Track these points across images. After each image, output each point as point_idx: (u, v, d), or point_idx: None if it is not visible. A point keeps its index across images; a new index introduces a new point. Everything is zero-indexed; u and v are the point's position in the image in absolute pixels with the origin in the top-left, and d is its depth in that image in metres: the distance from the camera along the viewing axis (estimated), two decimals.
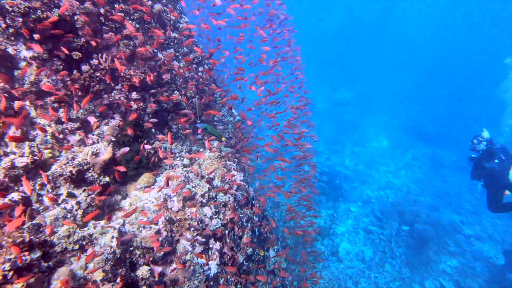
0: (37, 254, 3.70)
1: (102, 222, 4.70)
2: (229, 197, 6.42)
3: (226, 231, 6.12)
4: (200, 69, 8.69)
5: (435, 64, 39.93)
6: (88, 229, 4.57)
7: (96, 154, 5.10)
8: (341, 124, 20.78)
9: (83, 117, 5.85)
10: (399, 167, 17.08)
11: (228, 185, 6.60)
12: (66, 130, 5.42)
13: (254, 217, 7.69)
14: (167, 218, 5.23)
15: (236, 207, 6.72)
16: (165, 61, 7.22)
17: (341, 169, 16.73)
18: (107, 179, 5.13)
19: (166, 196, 5.44)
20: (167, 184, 5.23)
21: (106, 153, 5.15)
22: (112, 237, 4.46)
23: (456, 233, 14.14)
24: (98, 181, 4.99)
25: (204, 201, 5.82)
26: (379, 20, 53.08)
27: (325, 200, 14.63)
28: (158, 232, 5.07)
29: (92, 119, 5.56)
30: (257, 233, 7.67)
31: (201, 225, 5.52)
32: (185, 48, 8.26)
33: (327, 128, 20.00)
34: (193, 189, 5.78)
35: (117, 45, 6.30)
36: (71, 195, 4.64)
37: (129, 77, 6.18)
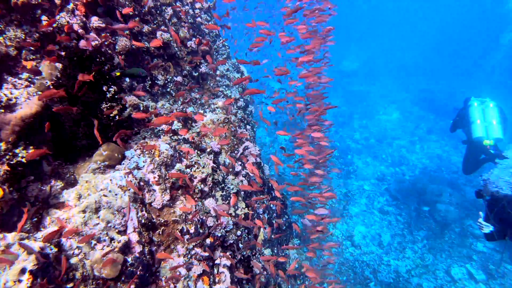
0: None
1: (10, 237, 2.26)
2: (242, 181, 4.02)
3: (239, 232, 3.77)
4: (198, 5, 6.04)
5: (445, 34, 36.71)
6: None
7: (7, 107, 2.60)
8: (347, 95, 18.23)
9: (4, 49, 3.29)
10: (414, 141, 14.79)
11: (240, 162, 4.19)
12: None
13: (272, 205, 5.35)
14: (142, 221, 2.83)
15: (250, 192, 4.36)
16: None
17: (350, 143, 14.42)
18: (31, 151, 2.65)
19: (142, 183, 3.00)
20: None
21: (29, 105, 2.65)
22: (23, 270, 2.05)
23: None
24: (9, 157, 2.51)
25: (206, 189, 3.40)
26: None
27: (336, 177, 12.43)
28: (125, 247, 2.68)
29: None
30: (274, 226, 5.36)
31: (201, 230, 3.13)
32: None
33: (333, 99, 17.53)
34: (188, 170, 3.34)
35: None
36: None
37: None
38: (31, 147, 2.69)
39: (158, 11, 4.86)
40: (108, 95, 3.19)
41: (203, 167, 3.50)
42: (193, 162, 3.48)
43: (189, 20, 5.56)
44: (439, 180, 12.33)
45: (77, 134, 3.06)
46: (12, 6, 3.31)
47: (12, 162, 2.43)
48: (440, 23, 40.82)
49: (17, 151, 2.54)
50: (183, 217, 3.04)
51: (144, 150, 3.05)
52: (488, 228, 5.26)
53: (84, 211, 2.65)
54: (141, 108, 4.05)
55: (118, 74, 3.30)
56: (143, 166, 3.06)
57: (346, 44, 27.94)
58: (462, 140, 8.80)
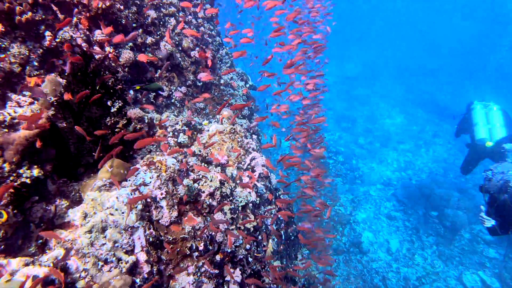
0: None
1: (15, 263, 2.18)
2: (249, 193, 3.94)
3: (248, 246, 3.69)
4: (200, 14, 6.02)
5: (445, 34, 36.38)
6: None
7: (11, 126, 2.54)
8: (350, 100, 18.12)
9: (8, 66, 3.25)
10: (419, 145, 14.65)
11: (247, 174, 4.11)
12: None
13: (280, 216, 5.25)
14: (150, 239, 2.75)
15: (258, 203, 4.27)
16: None
17: (355, 147, 14.29)
18: (35, 172, 2.59)
19: (149, 199, 2.93)
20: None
21: None
22: None
23: None
24: (13, 178, 2.45)
25: (214, 203, 3.32)
26: None
27: (341, 183, 12.27)
28: (133, 267, 2.60)
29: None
30: (283, 236, 5.26)
31: (210, 247, 3.05)
32: None
33: (336, 104, 17.40)
34: (195, 184, 3.27)
35: None
36: None
37: (86, 2, 3.55)
38: (35, 166, 2.63)
39: (161, 22, 4.83)
40: (113, 110, 3.14)
41: (211, 181, 3.42)
42: (201, 176, 3.41)
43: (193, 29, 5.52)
44: (446, 184, 12.16)
45: (82, 151, 3.00)
46: (16, 23, 3.28)
47: (16, 184, 2.37)
48: (440, 23, 40.64)
49: (21, 171, 2.48)
50: (192, 234, 2.96)
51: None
52: (489, 222, 5.14)
53: (90, 231, 2.58)
54: (146, 121, 3.99)
55: (138, 87, 3.31)
56: (150, 182, 2.99)
57: (346, 45, 27.83)
58: (466, 143, 8.70)
